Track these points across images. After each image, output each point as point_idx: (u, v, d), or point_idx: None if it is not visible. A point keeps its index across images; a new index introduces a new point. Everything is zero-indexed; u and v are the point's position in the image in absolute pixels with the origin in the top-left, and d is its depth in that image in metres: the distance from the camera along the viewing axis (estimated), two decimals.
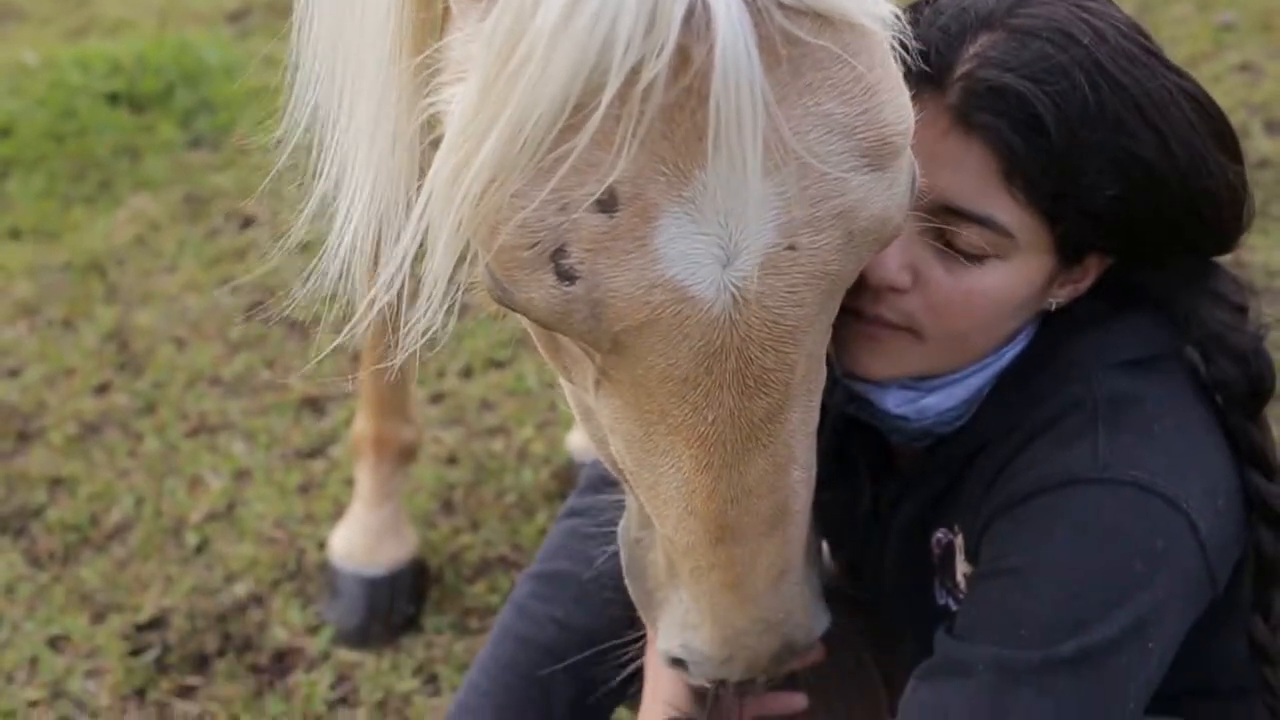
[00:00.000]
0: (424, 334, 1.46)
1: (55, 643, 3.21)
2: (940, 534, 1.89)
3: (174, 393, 3.86)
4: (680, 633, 1.70)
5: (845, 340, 1.75)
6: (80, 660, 3.16)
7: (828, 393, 1.79)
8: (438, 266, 1.40)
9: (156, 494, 3.56)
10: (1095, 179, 1.67)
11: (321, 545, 3.33)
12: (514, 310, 1.43)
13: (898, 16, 1.45)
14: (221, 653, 3.15)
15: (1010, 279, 1.71)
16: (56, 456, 3.68)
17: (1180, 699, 1.90)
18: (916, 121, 1.46)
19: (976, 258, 1.70)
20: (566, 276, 1.36)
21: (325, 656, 3.12)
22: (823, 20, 1.36)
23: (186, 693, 3.09)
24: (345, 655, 3.12)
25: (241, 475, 3.61)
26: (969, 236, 1.68)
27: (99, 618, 3.25)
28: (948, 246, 1.70)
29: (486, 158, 1.32)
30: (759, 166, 1.33)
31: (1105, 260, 1.79)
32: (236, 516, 3.48)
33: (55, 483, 3.62)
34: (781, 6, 1.34)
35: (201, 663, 3.14)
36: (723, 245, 1.36)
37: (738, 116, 1.29)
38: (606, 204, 1.33)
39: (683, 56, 1.29)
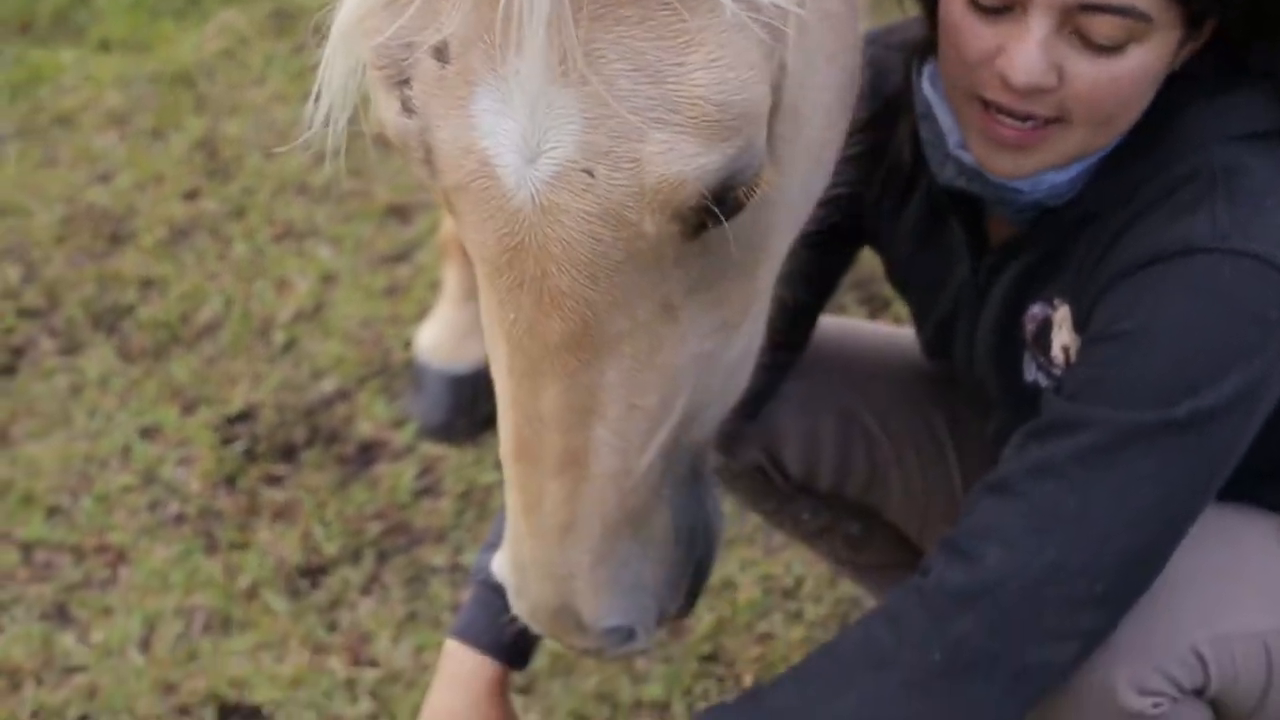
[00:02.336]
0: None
1: (147, 433, 3.29)
2: (1037, 308, 1.89)
3: (262, 199, 3.90)
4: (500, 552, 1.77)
5: (987, 147, 1.74)
6: (171, 449, 3.23)
7: (939, 166, 1.80)
8: (331, 79, 1.56)
9: (245, 295, 3.61)
10: None
11: (407, 344, 3.38)
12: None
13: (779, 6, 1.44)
14: (309, 444, 3.21)
15: (1149, 58, 1.70)
16: (147, 258, 3.74)
17: (1245, 479, 1.90)
18: None
19: (1117, 46, 1.68)
20: (407, 108, 1.48)
21: (410, 449, 3.18)
22: None
23: (274, 481, 3.15)
24: (429, 449, 3.17)
25: (328, 278, 3.65)
26: (1108, 29, 1.67)
27: (189, 410, 3.32)
28: (1086, 39, 1.68)
29: None
30: (545, 69, 1.39)
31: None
32: (323, 317, 3.53)
33: (146, 283, 3.67)
34: None
35: (289, 453, 3.21)
36: (525, 138, 1.43)
37: (532, 13, 1.37)
38: (440, 53, 1.44)
39: None
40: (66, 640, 2.90)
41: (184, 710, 2.75)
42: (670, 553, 1.76)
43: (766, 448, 2.11)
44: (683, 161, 1.43)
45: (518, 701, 2.67)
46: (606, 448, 1.61)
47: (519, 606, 1.78)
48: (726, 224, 1.50)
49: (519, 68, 1.40)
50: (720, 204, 1.48)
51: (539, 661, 2.73)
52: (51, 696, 2.80)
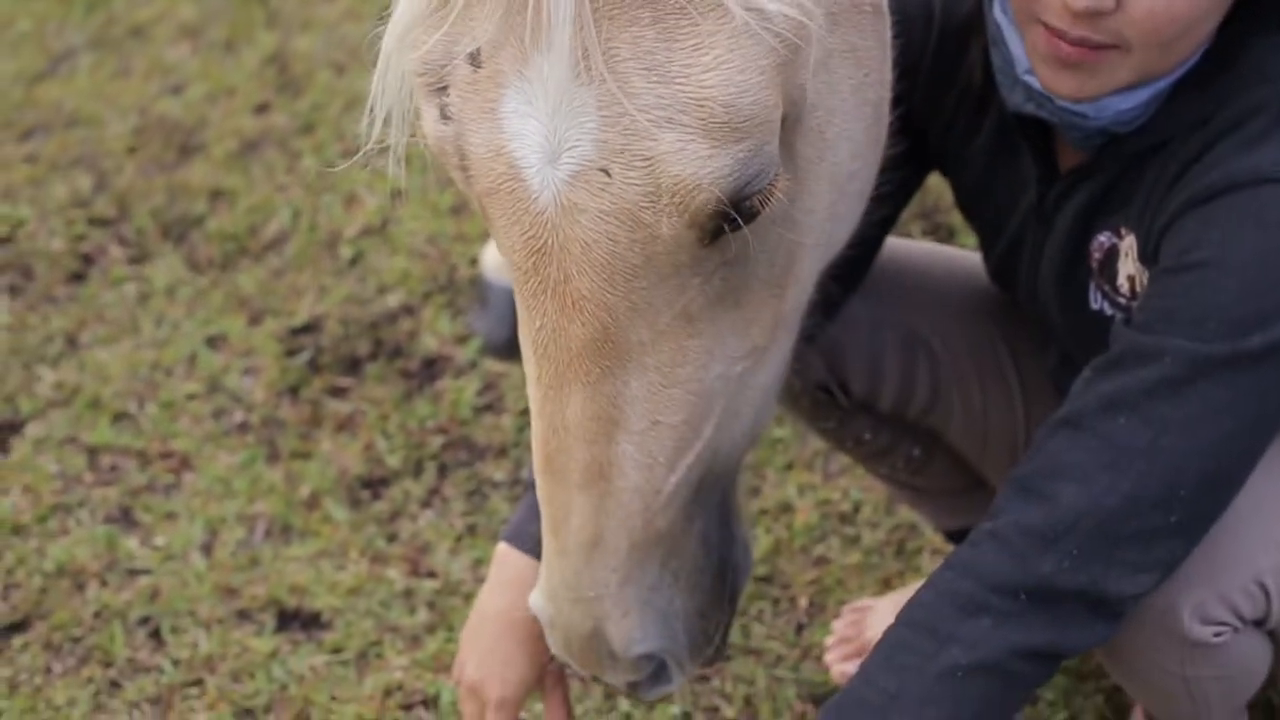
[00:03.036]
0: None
1: (213, 342, 3.31)
2: (1104, 237, 1.88)
3: (331, 115, 3.91)
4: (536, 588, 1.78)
5: (1051, 68, 1.73)
6: (237, 359, 3.26)
7: (1009, 91, 1.79)
8: (384, 93, 1.60)
9: (313, 209, 3.62)
10: None
11: (472, 261, 3.39)
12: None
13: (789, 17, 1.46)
14: (373, 357, 3.23)
15: None
16: (217, 170, 3.76)
17: None
18: None
19: None
20: (445, 115, 1.53)
21: (473, 365, 3.19)
22: None
23: (338, 392, 3.18)
24: (492, 365, 3.18)
25: (396, 195, 3.66)
26: None
27: (255, 321, 3.35)
28: None
29: (403, 12, 1.52)
30: (568, 68, 1.43)
31: None
32: (390, 233, 3.54)
33: (215, 194, 3.70)
34: None
35: (353, 365, 3.23)
36: (548, 138, 1.47)
37: (557, 12, 1.41)
38: (474, 58, 1.49)
39: None
40: (130, 543, 2.93)
41: (244, 614, 2.78)
42: (701, 582, 1.77)
43: (830, 366, 2.11)
44: (696, 164, 1.46)
45: None
46: (631, 462, 1.63)
47: (553, 640, 1.79)
48: (743, 231, 1.52)
49: (544, 67, 1.45)
50: (736, 210, 1.50)
51: None
52: (114, 598, 2.84)
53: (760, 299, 1.65)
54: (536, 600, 1.77)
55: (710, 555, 1.77)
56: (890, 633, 1.81)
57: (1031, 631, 1.76)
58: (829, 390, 2.13)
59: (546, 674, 2.05)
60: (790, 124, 1.54)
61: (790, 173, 1.56)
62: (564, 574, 1.70)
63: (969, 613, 1.76)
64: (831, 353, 2.11)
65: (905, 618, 1.81)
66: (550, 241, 1.51)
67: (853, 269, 2.01)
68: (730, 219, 1.50)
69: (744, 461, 1.83)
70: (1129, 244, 1.85)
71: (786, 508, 2.83)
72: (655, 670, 1.79)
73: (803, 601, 2.68)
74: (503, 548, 2.03)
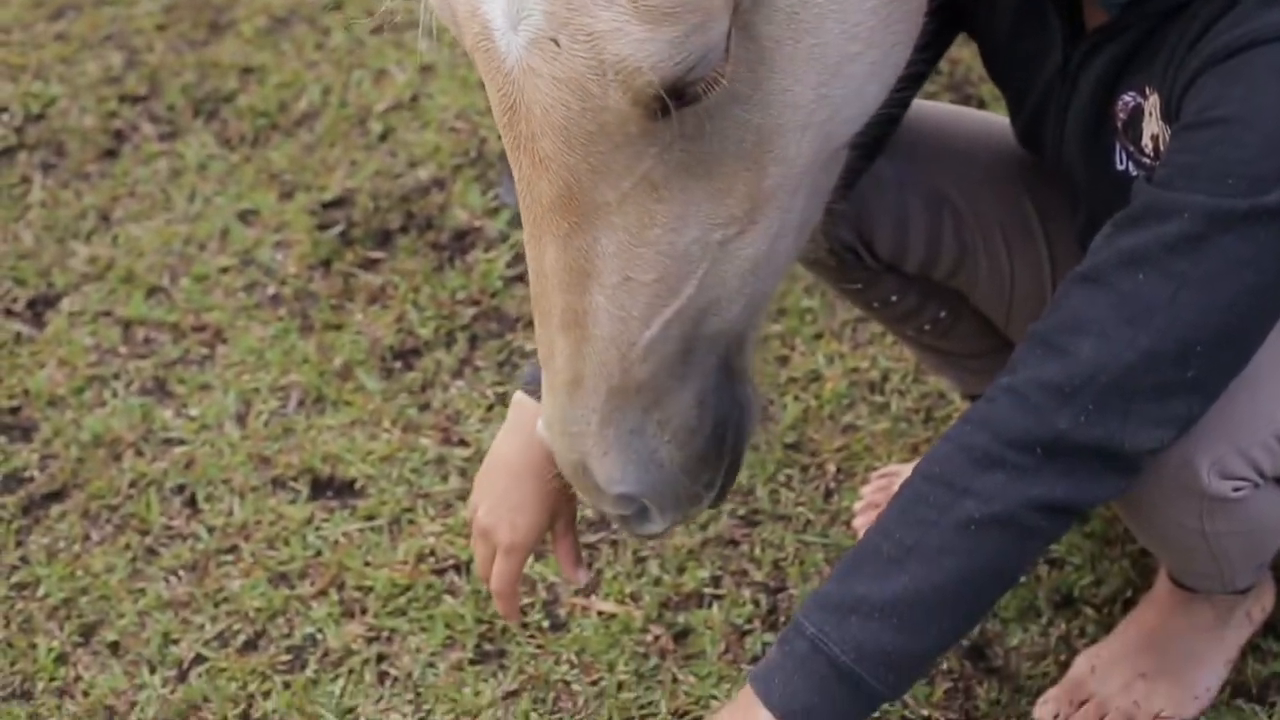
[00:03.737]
0: None
1: (245, 217, 3.33)
2: (1128, 97, 1.86)
3: None
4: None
5: None
6: (269, 233, 3.28)
7: None
8: None
9: (343, 85, 3.62)
10: None
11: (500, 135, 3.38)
12: None
13: None
14: (404, 230, 3.24)
15: None
16: (247, 47, 3.76)
17: None
18: None
19: None
20: None
21: (504, 237, 3.20)
22: None
23: (370, 265, 3.19)
24: (522, 236, 3.18)
25: (426, 70, 3.65)
26: None
27: (286, 195, 3.36)
28: None
29: None
30: None
31: None
32: (420, 107, 3.54)
33: (245, 71, 3.70)
34: None
35: (385, 238, 3.24)
36: (510, 3, 1.52)
37: None
38: None
39: None
40: (165, 414, 2.96)
41: (279, 482, 2.81)
42: (692, 440, 1.81)
43: (856, 227, 2.11)
44: (633, 45, 1.49)
45: None
46: (604, 313, 1.68)
47: (556, 454, 1.85)
48: (694, 109, 1.56)
49: None
50: (674, 94, 1.53)
51: None
52: (150, 468, 2.87)
53: (732, 173, 1.66)
54: (540, 426, 1.86)
55: (705, 415, 1.81)
56: (907, 486, 1.83)
57: (1047, 485, 1.77)
58: (855, 251, 2.13)
59: (556, 522, 2.10)
60: (748, 5, 1.55)
61: (754, 55, 1.58)
62: (552, 408, 1.78)
63: (984, 467, 1.78)
64: (857, 213, 2.11)
65: (922, 471, 1.83)
66: (518, 101, 1.57)
67: (878, 132, 2.01)
68: (674, 98, 1.54)
69: (756, 330, 1.85)
70: (1153, 103, 1.84)
71: (816, 376, 2.84)
72: (638, 511, 1.84)
73: (831, 468, 2.70)
74: (518, 395, 2.08)
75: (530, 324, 2.96)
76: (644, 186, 1.62)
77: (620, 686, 2.43)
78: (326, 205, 3.33)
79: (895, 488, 2.47)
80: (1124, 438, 1.76)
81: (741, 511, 2.65)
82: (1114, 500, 2.06)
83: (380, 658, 2.53)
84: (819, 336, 2.91)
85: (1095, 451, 1.76)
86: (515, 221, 3.21)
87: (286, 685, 2.51)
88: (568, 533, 2.13)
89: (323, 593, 2.63)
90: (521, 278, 3.11)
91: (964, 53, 2.17)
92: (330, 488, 2.80)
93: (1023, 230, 2.16)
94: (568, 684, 2.45)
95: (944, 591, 1.80)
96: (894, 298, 2.22)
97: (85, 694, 2.55)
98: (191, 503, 2.81)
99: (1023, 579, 2.48)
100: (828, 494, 2.66)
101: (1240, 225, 1.69)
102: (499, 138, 3.34)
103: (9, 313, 3.22)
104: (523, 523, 2.07)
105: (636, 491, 1.81)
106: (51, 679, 2.58)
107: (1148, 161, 1.86)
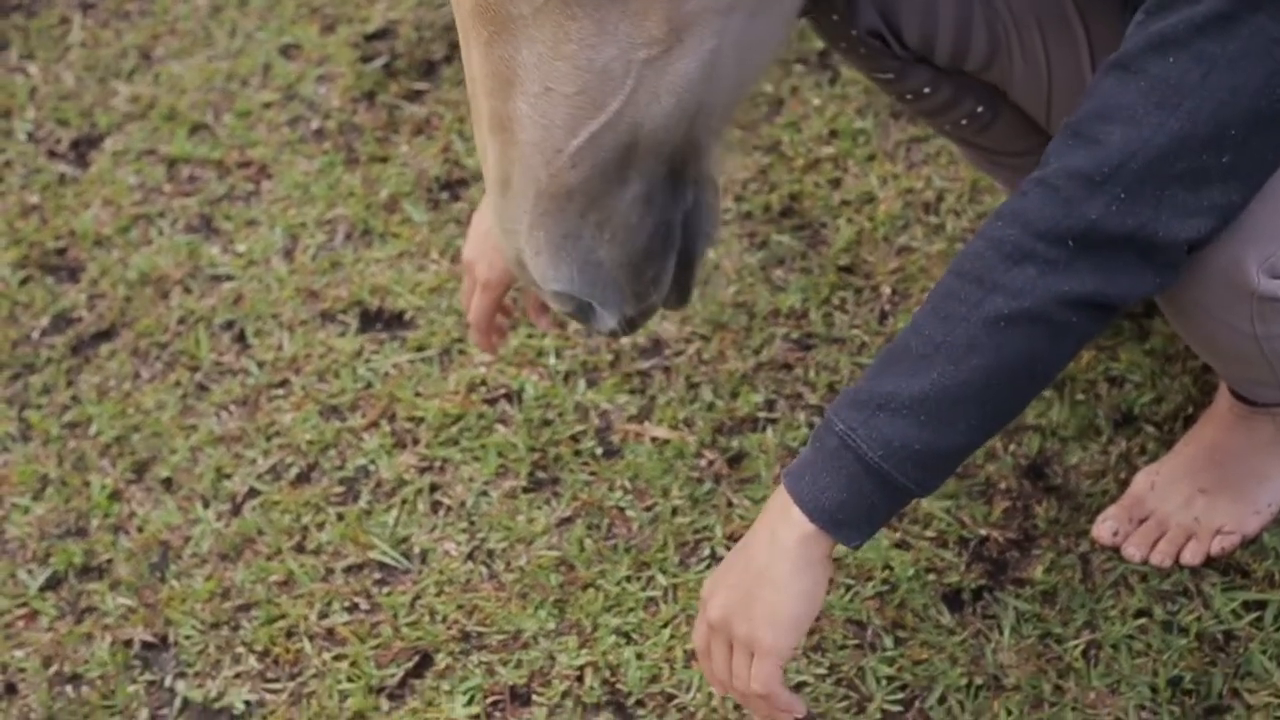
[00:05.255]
0: None
1: (287, 51, 3.28)
2: None
3: None
4: None
5: None
6: (311, 67, 3.23)
7: None
8: None
9: None
10: None
11: None
12: None
13: None
14: (448, 60, 3.19)
15: None
16: None
17: None
18: None
19: None
20: None
21: None
22: None
23: (414, 96, 3.14)
24: None
25: None
26: None
27: (328, 29, 3.30)
28: None
29: None
30: None
31: None
32: None
33: None
34: None
35: (429, 69, 3.19)
36: None
37: None
38: None
39: None
40: (212, 251, 2.94)
41: (328, 315, 2.79)
42: (633, 238, 1.80)
43: (883, 12, 2.03)
44: None
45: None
46: (528, 120, 1.69)
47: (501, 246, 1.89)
48: None
49: None
50: None
51: None
52: (199, 304, 2.85)
53: None
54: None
55: (649, 215, 1.79)
56: (940, 283, 1.80)
57: (1078, 279, 1.73)
58: (882, 38, 2.06)
59: None
60: None
61: None
62: (490, 204, 1.81)
63: (1015, 261, 1.74)
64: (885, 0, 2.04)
65: (954, 267, 1.79)
66: None
67: None
68: None
69: (714, 139, 1.84)
70: None
71: (869, 198, 2.79)
72: (584, 308, 1.86)
73: (886, 290, 2.65)
74: None
75: None
76: (557, 3, 1.63)
77: (674, 511, 2.42)
78: (369, 37, 3.27)
79: None
80: (1158, 227, 1.71)
81: (795, 335, 2.61)
82: (1163, 306, 2.02)
83: (433, 487, 2.52)
84: (872, 158, 2.85)
85: (1128, 242, 1.72)
86: None
87: (340, 516, 2.51)
88: None
89: (374, 424, 2.62)
90: None
91: None
92: (379, 320, 2.78)
93: (1060, 24, 2.08)
94: (621, 510, 2.43)
95: (972, 388, 1.77)
96: (927, 89, 2.14)
97: (139, 529, 2.55)
98: (241, 338, 2.79)
99: (1081, 397, 2.44)
100: (882, 316, 2.62)
101: (1270, 3, 1.64)
102: None
103: (53, 154, 3.19)
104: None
105: (571, 290, 1.82)
106: (105, 515, 2.58)
107: None
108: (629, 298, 1.85)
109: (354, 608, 2.40)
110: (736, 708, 2.18)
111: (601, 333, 1.90)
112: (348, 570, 2.44)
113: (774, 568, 1.83)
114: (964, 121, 2.20)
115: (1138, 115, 1.69)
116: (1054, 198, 1.72)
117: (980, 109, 2.17)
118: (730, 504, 2.41)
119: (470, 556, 2.43)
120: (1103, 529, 2.29)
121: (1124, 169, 1.69)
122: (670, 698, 2.22)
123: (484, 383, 2.63)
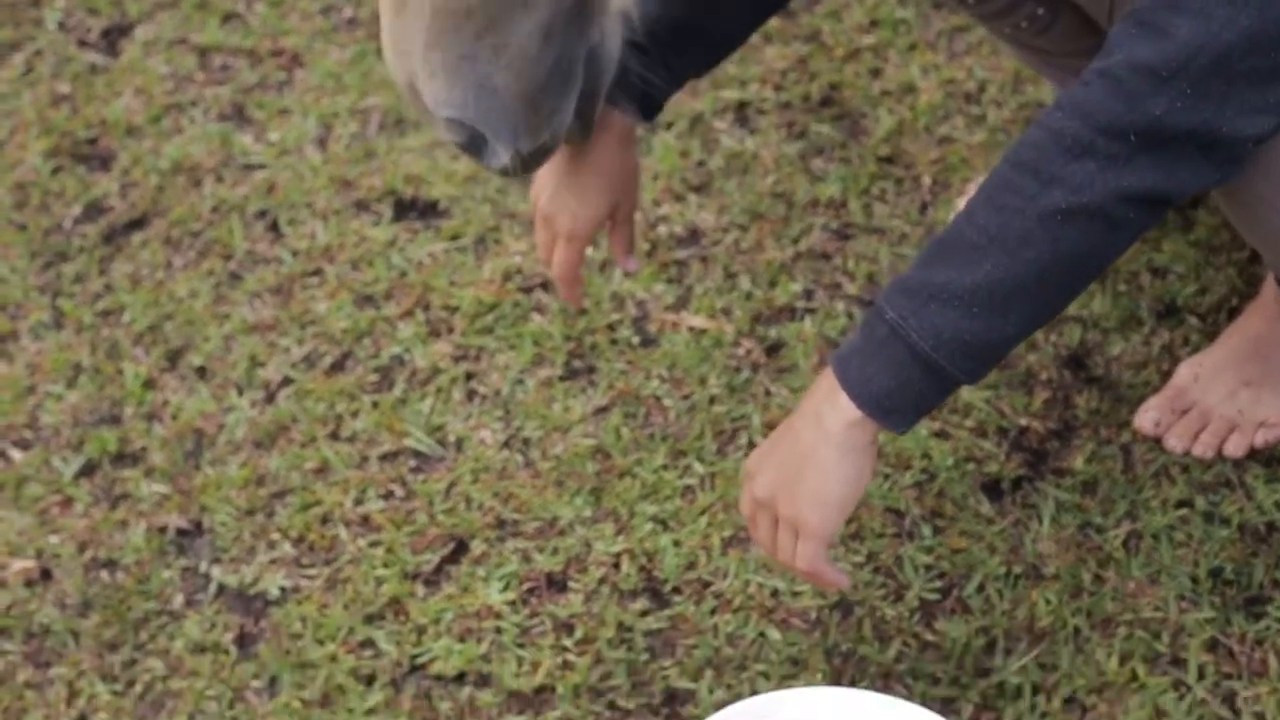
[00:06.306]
0: None
1: None
2: None
3: None
4: None
5: None
6: None
7: None
8: None
9: None
10: None
11: None
12: None
13: None
14: None
15: None
16: None
17: None
18: None
19: None
20: None
21: None
22: None
23: None
24: None
25: None
26: None
27: None
28: None
29: None
30: None
31: None
32: None
33: None
34: None
35: None
36: None
37: None
38: None
39: None
40: (245, 140, 2.92)
41: (361, 204, 2.77)
42: (532, 69, 1.75)
43: None
44: None
45: (692, 200, 2.66)
46: None
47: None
48: None
49: None
50: None
51: (714, 162, 2.70)
52: (231, 193, 2.83)
53: None
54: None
55: (550, 48, 1.75)
56: (995, 172, 1.76)
57: (1138, 175, 1.69)
58: None
59: (616, 211, 2.13)
60: None
61: None
62: (384, 25, 1.77)
63: (1074, 155, 1.70)
64: None
65: (1012, 157, 1.75)
66: None
67: None
68: None
69: None
70: None
71: (910, 88, 2.75)
72: (476, 140, 1.80)
73: (926, 180, 2.62)
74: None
75: None
76: None
77: (712, 400, 2.40)
78: None
79: None
80: (1222, 123, 1.68)
81: (834, 225, 2.58)
82: (1219, 198, 1.99)
83: (468, 376, 2.50)
84: (913, 48, 2.81)
85: (1191, 138, 1.68)
86: None
87: (375, 405, 2.49)
88: (625, 222, 2.16)
89: (409, 313, 2.60)
90: None
91: None
92: (414, 209, 2.75)
93: None
94: (658, 399, 2.42)
95: (1025, 280, 1.74)
96: None
97: (174, 417, 2.55)
98: (274, 227, 2.77)
99: (1123, 288, 2.41)
100: (923, 207, 2.59)
101: None
102: None
103: (83, 43, 3.16)
104: (583, 212, 2.10)
105: (464, 116, 1.76)
106: (139, 403, 2.57)
107: None
108: (525, 132, 1.80)
109: (389, 495, 2.39)
110: (773, 594, 2.17)
111: (493, 170, 1.84)
112: (383, 458, 2.43)
113: (820, 451, 1.81)
114: (1023, 24, 2.16)
115: (1208, 9, 1.64)
116: (1117, 90, 1.68)
117: (1040, 11, 2.13)
118: (768, 393, 2.39)
119: (506, 444, 2.41)
120: (1144, 420, 2.27)
121: (1191, 64, 1.65)
122: (706, 584, 2.21)
123: (519, 271, 2.61)
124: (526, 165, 1.84)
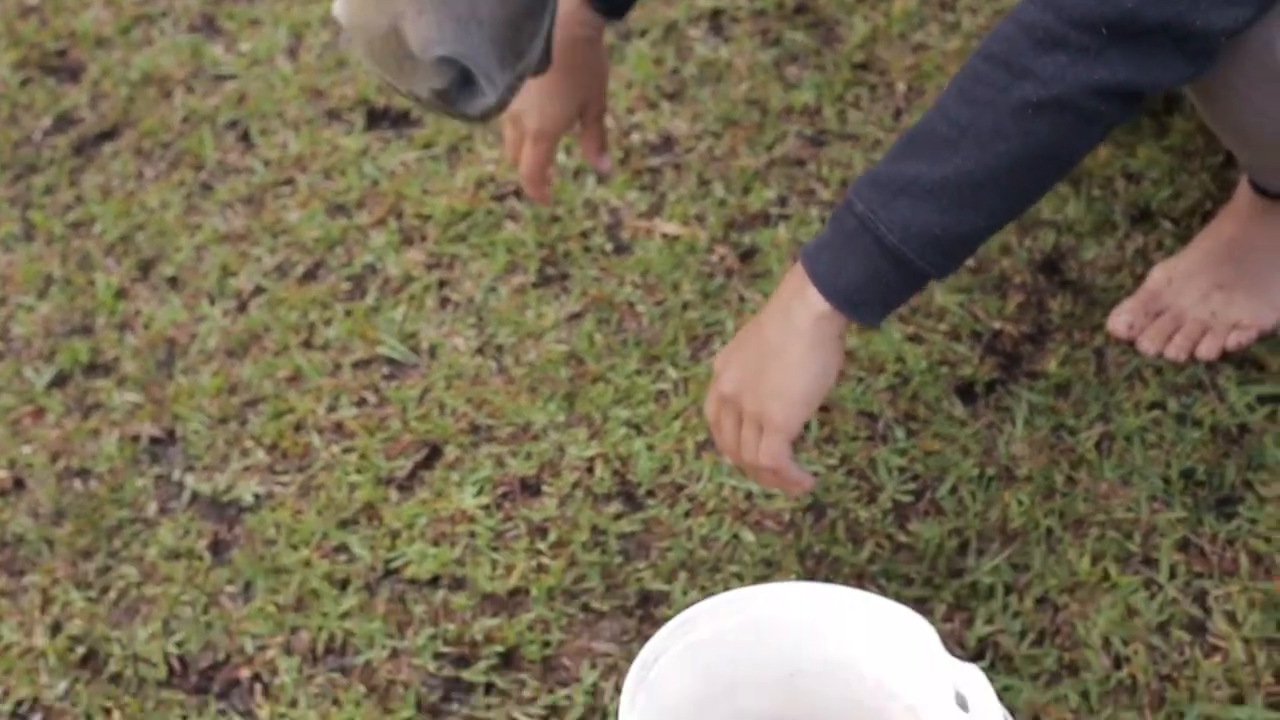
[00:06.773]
0: None
1: None
2: None
3: None
4: None
5: None
6: None
7: None
8: None
9: None
10: None
11: None
12: None
13: None
14: None
15: None
16: None
17: None
18: None
19: None
20: None
21: None
22: None
23: None
24: None
25: None
26: None
27: None
28: None
29: None
30: None
31: None
32: None
33: None
34: None
35: None
36: None
37: None
38: None
39: None
40: (215, 50, 2.89)
41: (333, 114, 2.75)
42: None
43: None
44: None
45: (665, 107, 2.64)
46: None
47: (357, 47, 1.77)
48: None
49: None
50: None
51: (688, 69, 2.68)
52: (201, 103, 2.81)
53: None
54: (337, 6, 1.77)
55: None
56: (967, 65, 1.75)
57: (1110, 68, 1.68)
58: None
59: (585, 112, 2.14)
60: None
61: None
62: None
63: (1046, 47, 1.69)
64: None
65: (983, 50, 1.74)
66: None
67: None
68: None
69: None
70: None
71: None
72: (461, 79, 1.74)
73: (901, 87, 2.61)
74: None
75: None
76: None
77: (685, 306, 2.39)
78: None
79: None
80: (1195, 15, 1.66)
81: (808, 131, 2.57)
82: (1192, 91, 1.98)
83: (441, 283, 2.49)
84: None
85: (1164, 30, 1.67)
86: None
87: (348, 313, 2.49)
88: (595, 122, 2.17)
89: (381, 221, 2.59)
90: None
91: None
92: (385, 118, 2.74)
93: None
94: (631, 305, 2.41)
95: (996, 174, 1.73)
96: None
97: (146, 327, 2.54)
98: (245, 137, 2.76)
99: (1098, 193, 2.41)
100: (897, 113, 2.58)
101: None
102: None
103: None
104: (551, 110, 2.10)
105: (457, 52, 1.71)
106: (111, 313, 2.56)
107: None
108: (510, 63, 1.77)
109: (362, 402, 2.38)
110: (747, 496, 2.17)
111: (470, 115, 1.79)
112: (355, 365, 2.43)
113: (787, 346, 1.81)
114: None
115: None
116: None
117: None
118: (742, 299, 2.38)
119: (479, 351, 2.41)
120: (1118, 322, 2.27)
121: None
122: (680, 488, 2.21)
123: (492, 179, 2.60)
124: (502, 102, 1.81)
